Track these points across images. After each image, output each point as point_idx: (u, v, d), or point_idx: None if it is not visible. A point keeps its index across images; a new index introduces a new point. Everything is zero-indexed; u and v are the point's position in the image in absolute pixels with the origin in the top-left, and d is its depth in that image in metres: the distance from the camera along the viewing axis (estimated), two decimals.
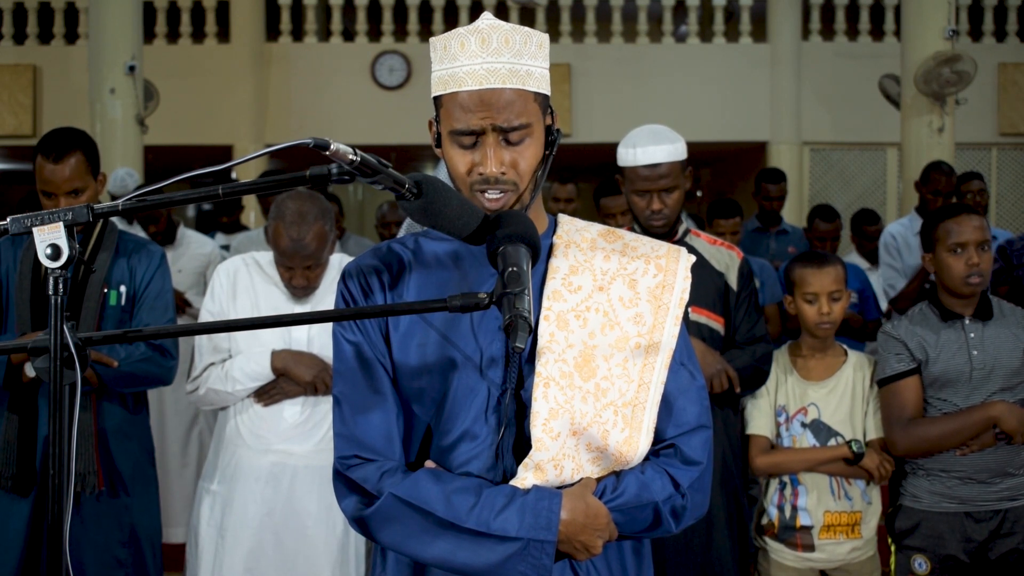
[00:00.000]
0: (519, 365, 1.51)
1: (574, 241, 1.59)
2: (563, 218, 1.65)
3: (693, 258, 1.62)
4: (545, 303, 1.52)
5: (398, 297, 1.56)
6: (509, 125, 1.45)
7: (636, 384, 1.51)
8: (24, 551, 2.65)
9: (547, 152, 1.54)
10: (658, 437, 1.55)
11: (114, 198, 4.82)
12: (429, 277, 1.57)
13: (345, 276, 1.59)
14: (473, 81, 1.44)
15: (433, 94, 1.51)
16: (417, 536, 1.47)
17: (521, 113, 1.46)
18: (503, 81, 1.44)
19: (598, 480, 1.52)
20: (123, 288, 2.76)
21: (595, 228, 1.63)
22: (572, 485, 1.50)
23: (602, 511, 1.48)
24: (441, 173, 2.54)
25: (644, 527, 1.53)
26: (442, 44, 1.48)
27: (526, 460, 1.48)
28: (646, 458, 1.54)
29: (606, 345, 1.51)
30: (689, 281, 1.58)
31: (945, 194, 4.92)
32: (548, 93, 1.53)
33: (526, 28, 1.49)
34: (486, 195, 1.48)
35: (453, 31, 1.48)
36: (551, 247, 1.58)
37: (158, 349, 2.77)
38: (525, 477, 1.48)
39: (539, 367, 1.49)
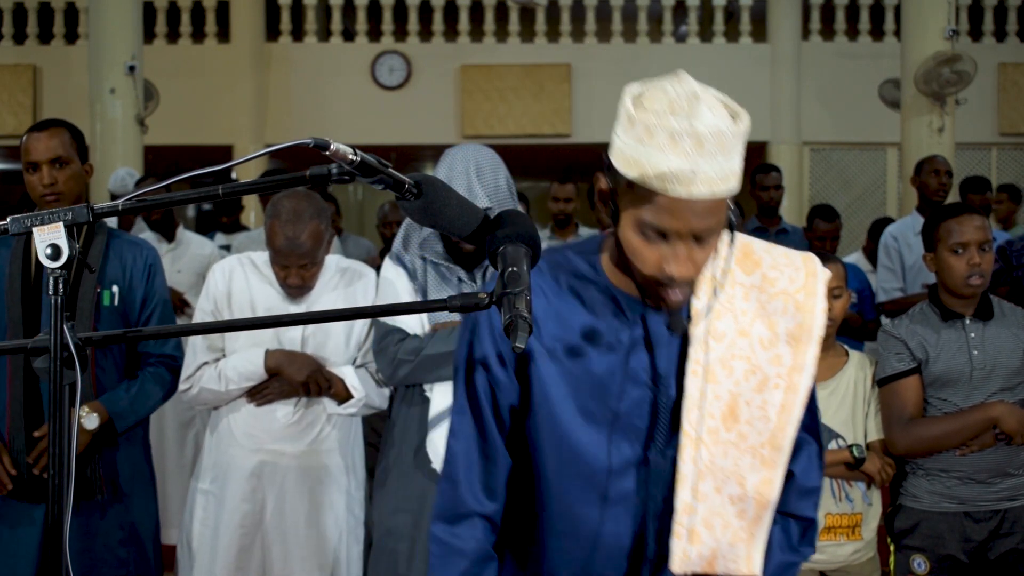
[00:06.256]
0: (667, 421, 1.50)
1: (713, 276, 1.50)
2: None
3: (828, 275, 1.56)
4: (692, 354, 1.49)
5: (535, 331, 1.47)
6: (708, 229, 1.37)
7: (773, 425, 1.50)
8: (40, 557, 2.64)
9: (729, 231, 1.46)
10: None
11: (114, 198, 4.81)
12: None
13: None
14: (682, 187, 1.31)
15: (623, 172, 1.36)
16: None
17: (718, 213, 1.37)
18: (712, 188, 1.32)
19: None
20: (115, 288, 2.73)
21: (732, 256, 1.50)
22: (724, 545, 1.50)
23: None
24: (441, 172, 2.52)
25: None
26: (644, 126, 1.34)
27: (677, 528, 1.47)
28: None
29: (749, 390, 1.49)
30: (825, 315, 1.53)
31: (944, 173, 4.93)
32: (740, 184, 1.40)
33: (739, 116, 1.36)
34: (670, 291, 1.42)
35: (659, 110, 1.34)
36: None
37: (167, 366, 2.80)
38: (685, 550, 1.48)
39: (686, 426, 1.47)
